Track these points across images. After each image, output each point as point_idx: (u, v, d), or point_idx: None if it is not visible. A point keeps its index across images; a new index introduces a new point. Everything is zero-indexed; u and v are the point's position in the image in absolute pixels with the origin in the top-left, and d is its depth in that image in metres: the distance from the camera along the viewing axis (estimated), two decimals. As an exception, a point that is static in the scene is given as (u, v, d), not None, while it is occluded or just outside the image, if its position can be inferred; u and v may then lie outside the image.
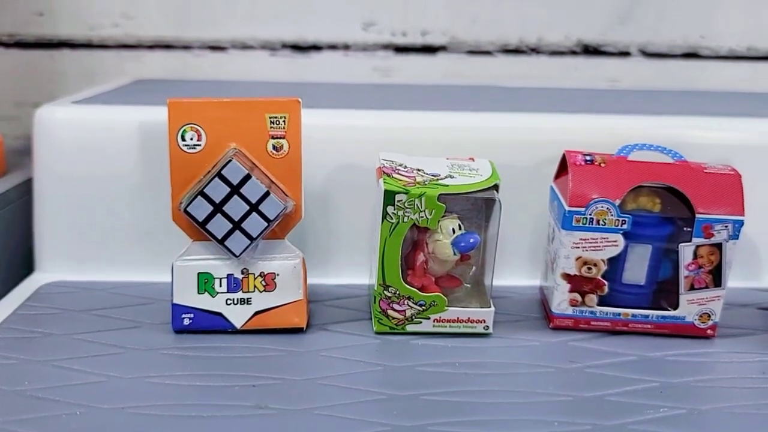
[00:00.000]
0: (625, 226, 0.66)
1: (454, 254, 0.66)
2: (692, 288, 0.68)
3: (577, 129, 0.78)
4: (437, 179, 0.66)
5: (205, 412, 0.55)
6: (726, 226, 0.66)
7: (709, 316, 0.68)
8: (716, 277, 0.68)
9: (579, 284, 0.68)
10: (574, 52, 1.08)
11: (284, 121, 0.66)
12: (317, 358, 0.64)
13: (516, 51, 1.08)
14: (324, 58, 1.07)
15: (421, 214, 0.64)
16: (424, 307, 0.67)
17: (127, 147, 0.77)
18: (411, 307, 0.67)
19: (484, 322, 0.68)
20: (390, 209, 0.64)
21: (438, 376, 0.61)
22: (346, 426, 0.54)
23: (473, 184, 0.66)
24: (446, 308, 0.67)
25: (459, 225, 0.67)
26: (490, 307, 0.68)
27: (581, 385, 0.61)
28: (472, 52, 1.08)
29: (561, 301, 0.69)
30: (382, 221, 0.64)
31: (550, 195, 0.72)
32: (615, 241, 0.67)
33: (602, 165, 0.67)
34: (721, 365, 0.66)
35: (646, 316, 0.69)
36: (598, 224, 0.66)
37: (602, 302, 0.69)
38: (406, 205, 0.64)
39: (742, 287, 0.79)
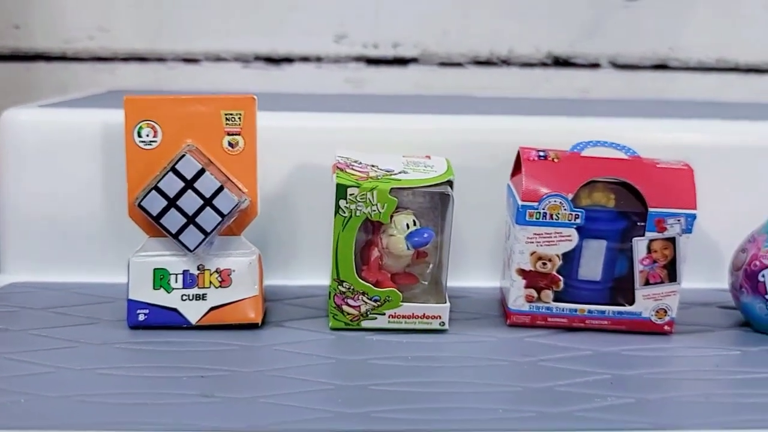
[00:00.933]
0: (578, 221, 0.67)
1: (408, 249, 0.67)
2: (647, 283, 0.68)
3: (537, 131, 0.79)
4: (390, 174, 0.66)
5: (149, 399, 0.55)
6: (679, 220, 0.66)
7: (666, 311, 0.68)
8: (671, 272, 0.68)
9: (534, 280, 0.68)
10: (544, 64, 1.09)
11: (239, 118, 0.67)
12: (269, 352, 0.63)
13: (487, 63, 1.09)
14: (296, 70, 1.08)
15: (374, 207, 0.65)
16: (378, 303, 0.67)
17: (90, 149, 0.78)
18: (366, 303, 0.67)
19: (440, 318, 0.68)
20: (342, 203, 0.64)
21: (389, 368, 0.61)
22: (288, 412, 0.54)
23: (426, 179, 0.66)
24: (401, 304, 0.67)
25: (414, 220, 0.67)
26: (445, 302, 0.68)
27: (532, 377, 0.60)
28: (444, 64, 1.09)
29: (517, 297, 0.69)
30: (335, 215, 0.65)
31: (507, 193, 0.72)
32: (569, 236, 0.67)
33: (555, 160, 0.68)
34: (675, 359, 0.65)
35: (603, 312, 0.69)
36: (552, 219, 0.67)
37: (559, 299, 0.69)
38: (358, 198, 0.64)
39: (705, 288, 0.78)
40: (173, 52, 1.07)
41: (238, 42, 1.07)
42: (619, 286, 0.70)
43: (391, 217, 0.66)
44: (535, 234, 0.67)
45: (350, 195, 0.64)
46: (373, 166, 0.67)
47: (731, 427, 0.53)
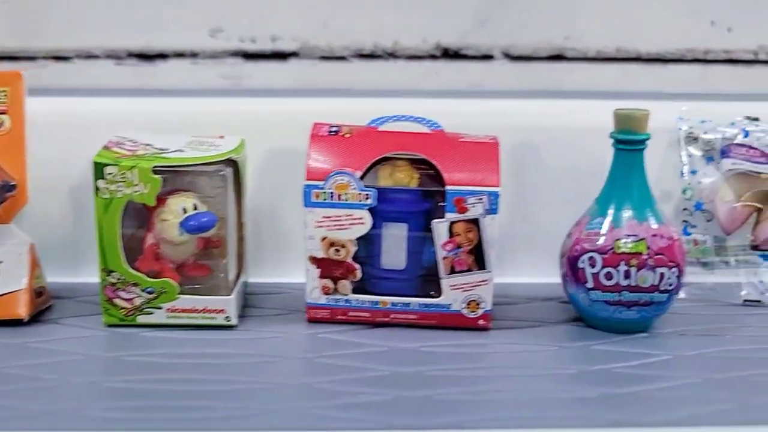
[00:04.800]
0: (369, 201, 0.60)
1: (181, 235, 0.60)
2: (453, 271, 0.61)
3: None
4: (162, 152, 0.60)
5: None
6: (480, 199, 0.59)
7: (478, 303, 0.61)
8: (479, 259, 0.60)
9: (329, 269, 0.61)
10: (433, 57, 1.03)
11: (4, 96, 0.62)
12: (20, 350, 0.57)
13: (371, 56, 1.03)
14: (171, 66, 1.03)
15: (136, 188, 0.58)
16: (153, 295, 0.61)
17: None
18: (139, 295, 0.60)
19: (224, 312, 0.61)
20: (101, 183, 0.58)
21: (141, 366, 0.55)
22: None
23: (201, 158, 0.60)
24: (177, 296, 0.60)
25: (195, 204, 0.61)
26: (230, 295, 0.61)
27: (296, 375, 0.54)
28: (325, 58, 1.03)
29: (313, 288, 0.62)
30: (95, 197, 0.59)
31: (310, 176, 0.66)
32: (361, 218, 0.60)
33: (347, 136, 0.61)
34: (478, 355, 0.58)
35: (407, 305, 0.61)
36: (340, 199, 0.60)
37: (362, 291, 0.62)
38: (117, 178, 0.58)
39: (550, 282, 0.70)
40: (43, 50, 1.02)
41: (110, 38, 1.02)
42: (430, 277, 0.63)
43: (165, 199, 0.60)
44: (324, 217, 0.60)
45: (108, 174, 0.58)
46: (148, 144, 0.61)
47: (483, 427, 0.46)
